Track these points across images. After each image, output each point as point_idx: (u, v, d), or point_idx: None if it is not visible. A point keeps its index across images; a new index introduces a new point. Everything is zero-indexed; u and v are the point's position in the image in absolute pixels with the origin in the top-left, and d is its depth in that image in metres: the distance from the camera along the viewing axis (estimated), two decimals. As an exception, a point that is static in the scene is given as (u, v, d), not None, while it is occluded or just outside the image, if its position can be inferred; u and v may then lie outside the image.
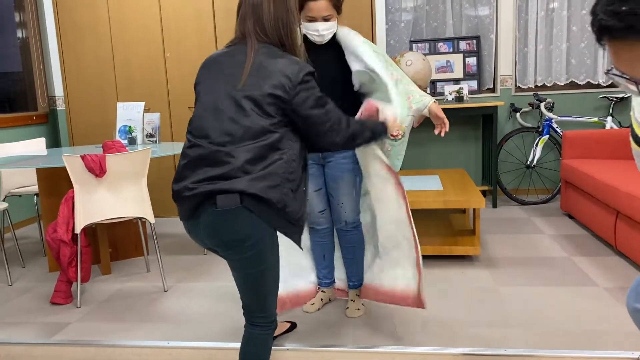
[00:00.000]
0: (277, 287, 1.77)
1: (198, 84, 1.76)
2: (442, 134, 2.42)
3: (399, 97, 2.32)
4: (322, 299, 2.75)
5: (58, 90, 5.11)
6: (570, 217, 4.34)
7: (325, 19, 2.29)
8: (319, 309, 2.72)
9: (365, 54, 2.33)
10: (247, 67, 1.64)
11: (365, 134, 1.85)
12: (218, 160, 1.60)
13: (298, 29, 1.78)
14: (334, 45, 2.40)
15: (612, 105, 4.81)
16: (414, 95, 2.41)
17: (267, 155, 1.62)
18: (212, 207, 1.59)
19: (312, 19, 2.28)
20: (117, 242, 3.71)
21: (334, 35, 2.40)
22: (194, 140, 1.66)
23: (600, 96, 4.92)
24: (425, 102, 2.38)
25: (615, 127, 4.77)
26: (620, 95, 4.81)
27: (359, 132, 1.82)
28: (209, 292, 3.06)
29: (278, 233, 2.33)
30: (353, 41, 2.35)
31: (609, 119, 4.76)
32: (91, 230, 3.52)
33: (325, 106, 1.70)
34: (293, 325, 2.52)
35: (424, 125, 5.04)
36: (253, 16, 1.70)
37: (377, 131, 1.93)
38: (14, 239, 3.79)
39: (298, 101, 1.63)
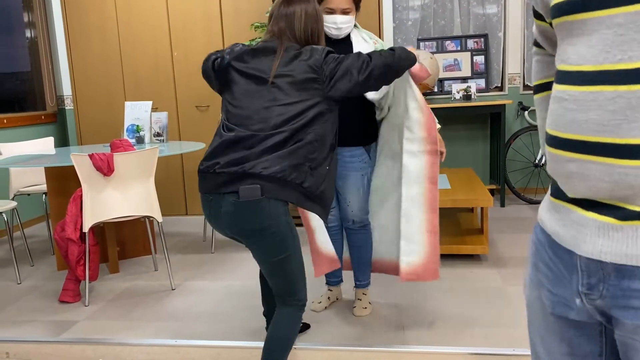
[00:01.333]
0: (304, 271, 1.87)
1: (228, 74, 1.88)
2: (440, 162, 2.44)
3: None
4: (329, 298, 2.74)
5: (66, 89, 5.13)
6: (579, 216, 4.31)
7: (345, 12, 2.29)
8: (325, 308, 2.72)
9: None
10: (277, 59, 1.82)
11: (395, 57, 1.91)
12: (249, 144, 1.75)
13: (324, 36, 1.97)
14: (348, 42, 2.39)
15: (621, 104, 4.77)
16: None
17: (293, 137, 1.76)
18: (234, 197, 1.72)
19: (331, 11, 2.28)
20: (125, 240, 3.73)
21: (348, 35, 2.40)
22: (230, 125, 1.81)
23: (610, 94, 4.87)
24: None
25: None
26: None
27: (391, 57, 1.90)
28: (216, 290, 3.06)
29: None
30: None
31: (619, 117, 4.71)
32: (99, 229, 3.53)
33: (344, 60, 1.83)
34: (305, 326, 2.51)
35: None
36: (286, 22, 1.89)
37: (402, 53, 1.96)
38: (22, 237, 3.82)
39: (327, 72, 1.80)
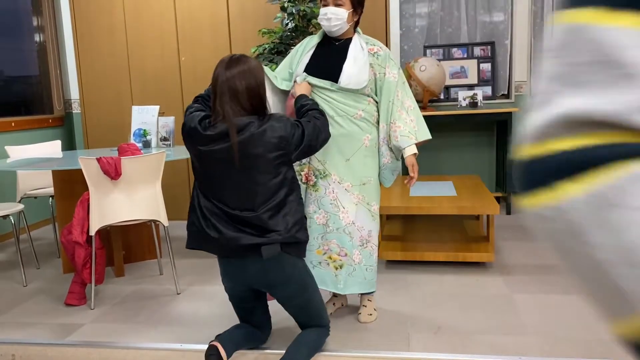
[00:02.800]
0: (323, 302, 2.09)
1: (192, 153, 2.00)
2: (408, 186, 2.48)
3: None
4: (334, 304, 2.74)
5: (74, 93, 5.16)
6: (586, 224, 4.29)
7: (337, 5, 2.33)
8: (331, 314, 2.71)
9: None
10: (235, 144, 1.87)
11: (317, 106, 2.23)
12: (247, 223, 1.89)
13: (266, 95, 2.03)
14: (346, 48, 2.42)
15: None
16: (405, 128, 2.43)
17: (285, 203, 1.92)
18: (257, 256, 1.87)
19: (325, 3, 2.36)
20: (131, 244, 3.73)
21: (351, 40, 2.43)
22: (214, 202, 1.93)
23: (617, 103, 4.87)
24: (408, 142, 2.42)
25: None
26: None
27: (319, 110, 2.19)
28: (221, 295, 3.06)
29: None
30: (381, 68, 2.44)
31: (626, 126, 4.70)
32: (105, 232, 3.54)
33: (303, 127, 2.00)
34: None
35: (437, 131, 5.01)
36: (228, 93, 1.90)
37: (309, 100, 2.28)
38: (29, 240, 3.83)
39: (293, 148, 1.96)
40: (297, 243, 1.95)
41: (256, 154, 1.88)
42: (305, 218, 2.05)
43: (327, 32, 2.44)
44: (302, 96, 2.27)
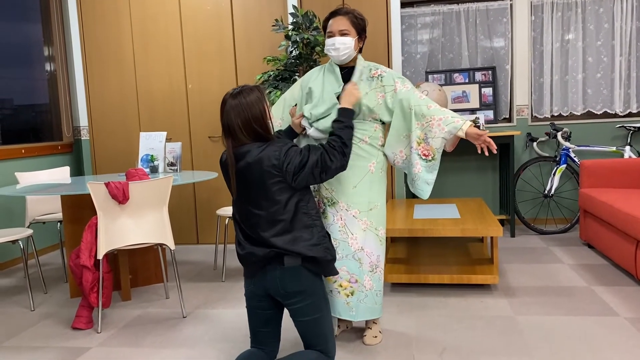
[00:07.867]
0: (333, 330, 2.10)
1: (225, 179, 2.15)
2: (487, 153, 2.41)
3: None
4: (339, 326, 2.75)
5: (83, 120, 5.26)
6: (590, 246, 4.30)
7: (343, 34, 2.40)
8: (336, 336, 2.72)
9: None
10: (232, 176, 2.03)
11: (344, 133, 2.17)
12: (261, 244, 2.01)
13: (270, 120, 2.09)
14: (349, 77, 2.49)
15: (630, 135, 4.81)
16: (446, 116, 2.41)
17: (292, 227, 2.00)
18: (280, 264, 1.99)
19: (331, 34, 2.42)
20: (137, 268, 3.77)
21: (354, 68, 2.49)
22: (243, 227, 2.07)
23: (618, 125, 4.92)
24: (458, 125, 2.38)
25: (634, 156, 4.75)
26: (638, 125, 4.80)
27: (343, 138, 2.15)
28: (226, 318, 3.08)
29: None
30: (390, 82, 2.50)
31: (627, 148, 4.74)
32: (112, 256, 3.58)
33: (308, 155, 2.04)
34: None
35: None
36: (227, 128, 2.04)
37: (345, 121, 2.23)
38: (37, 265, 3.87)
39: (290, 175, 2.00)
40: (316, 261, 2.02)
41: (254, 181, 1.98)
42: (328, 237, 2.09)
43: (336, 62, 2.50)
44: (342, 112, 2.26)
